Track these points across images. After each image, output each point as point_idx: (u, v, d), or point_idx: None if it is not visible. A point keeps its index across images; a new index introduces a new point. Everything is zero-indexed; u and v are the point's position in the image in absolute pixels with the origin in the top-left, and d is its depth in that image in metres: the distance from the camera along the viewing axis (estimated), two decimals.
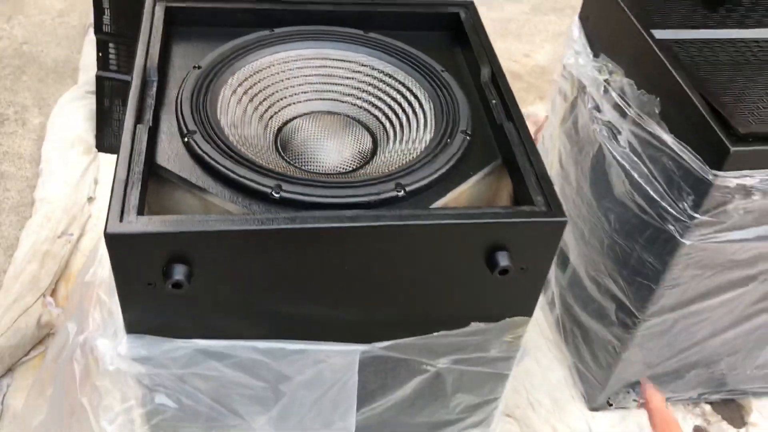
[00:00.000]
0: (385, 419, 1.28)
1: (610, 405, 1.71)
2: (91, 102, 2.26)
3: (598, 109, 1.52)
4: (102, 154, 2.21)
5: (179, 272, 0.96)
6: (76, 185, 2.06)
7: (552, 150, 1.79)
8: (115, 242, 0.94)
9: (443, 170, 1.09)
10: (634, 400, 1.69)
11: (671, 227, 1.31)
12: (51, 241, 1.88)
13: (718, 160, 1.20)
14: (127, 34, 2.09)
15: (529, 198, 1.06)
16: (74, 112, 2.26)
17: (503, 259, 1.04)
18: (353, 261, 1.03)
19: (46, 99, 2.38)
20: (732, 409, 1.76)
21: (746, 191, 1.22)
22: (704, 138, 1.22)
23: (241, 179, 1.03)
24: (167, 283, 0.96)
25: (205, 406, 1.12)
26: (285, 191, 1.02)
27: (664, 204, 1.32)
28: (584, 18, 1.63)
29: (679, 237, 1.31)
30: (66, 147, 2.16)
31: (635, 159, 1.39)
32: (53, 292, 1.80)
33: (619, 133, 1.45)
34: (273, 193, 1.02)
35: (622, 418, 1.71)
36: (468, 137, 1.15)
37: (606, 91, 1.49)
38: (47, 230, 1.90)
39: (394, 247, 1.02)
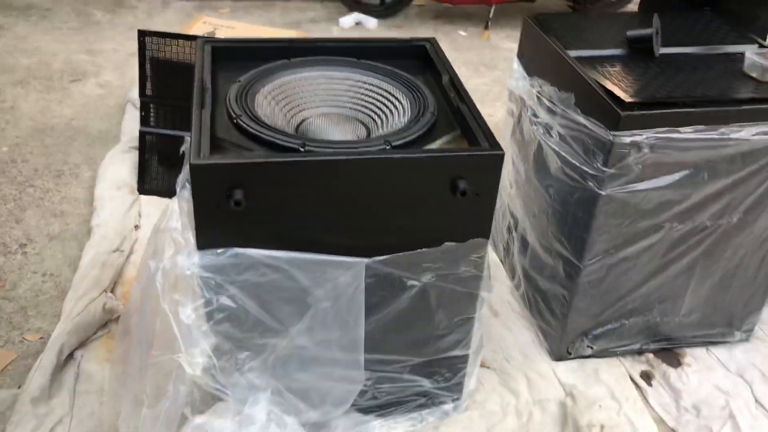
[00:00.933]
0: (387, 332, 1.68)
1: (570, 354, 2.09)
2: (133, 155, 2.75)
3: (535, 115, 2.02)
4: (143, 196, 2.66)
5: (238, 194, 1.41)
6: (124, 215, 2.51)
7: (506, 157, 2.27)
8: (195, 171, 1.39)
9: (419, 133, 1.57)
10: (588, 347, 2.08)
11: (591, 183, 1.77)
12: (107, 254, 2.31)
13: (614, 124, 1.67)
14: (165, 97, 2.60)
15: (477, 143, 1.52)
16: (119, 163, 2.75)
17: (462, 184, 1.49)
18: (357, 188, 1.48)
19: (94, 158, 2.87)
20: (670, 356, 2.14)
21: (638, 147, 1.69)
22: (604, 111, 1.71)
23: (277, 140, 1.50)
24: (230, 201, 1.40)
25: (253, 308, 1.53)
26: (309, 146, 1.48)
27: (584, 168, 1.79)
28: (520, 55, 2.16)
29: (597, 189, 1.76)
30: (114, 189, 2.63)
31: (563, 143, 1.87)
32: (112, 290, 2.21)
33: (551, 128, 1.93)
34: (300, 148, 1.48)
35: (579, 365, 2.09)
36: (434, 116, 1.63)
37: (539, 100, 1.99)
38: (104, 246, 2.34)
39: (386, 177, 1.47)
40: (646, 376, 2.10)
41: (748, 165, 1.79)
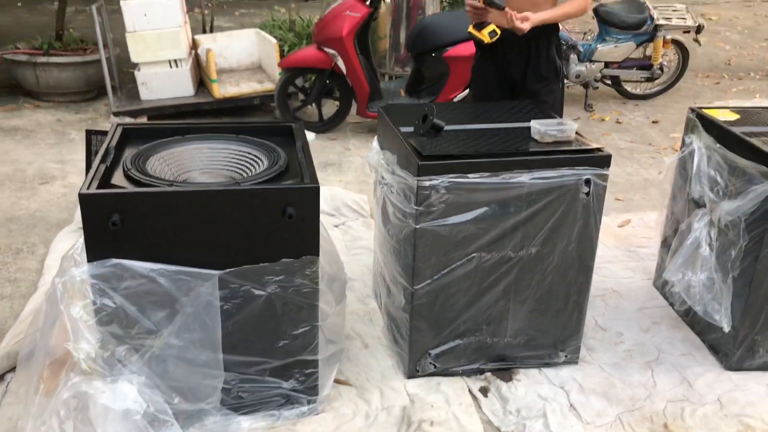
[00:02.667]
0: (243, 336, 2.12)
1: (418, 371, 2.51)
2: (79, 233, 3.28)
3: (383, 178, 2.56)
4: None
5: (115, 217, 1.93)
6: None
7: (375, 219, 2.79)
8: (83, 199, 1.91)
9: (265, 177, 2.10)
10: (431, 364, 2.50)
11: (409, 220, 2.29)
12: None
13: (416, 172, 2.21)
14: None
15: (302, 180, 2.06)
16: (68, 239, 3.27)
17: (289, 209, 2.01)
18: (208, 214, 1.99)
19: (50, 239, 3.39)
20: (505, 374, 2.55)
21: (436, 189, 2.22)
22: (411, 164, 2.25)
23: (154, 183, 2.04)
24: (109, 222, 1.92)
25: (131, 310, 2.00)
26: (175, 185, 2.02)
27: (405, 209, 2.30)
28: (378, 135, 2.73)
29: (413, 224, 2.27)
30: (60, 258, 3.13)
31: (396, 194, 2.40)
32: None
33: (392, 186, 2.47)
34: (168, 186, 2.01)
35: (426, 380, 2.50)
36: (281, 167, 2.18)
37: (385, 166, 2.54)
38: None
39: (231, 205, 1.99)
40: (484, 390, 2.50)
41: (532, 205, 2.31)
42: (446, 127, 2.48)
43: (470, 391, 2.49)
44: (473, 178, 2.24)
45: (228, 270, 2.04)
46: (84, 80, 5.41)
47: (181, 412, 2.14)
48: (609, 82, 5.87)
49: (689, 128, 2.84)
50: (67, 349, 1.96)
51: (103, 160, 2.15)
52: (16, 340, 2.53)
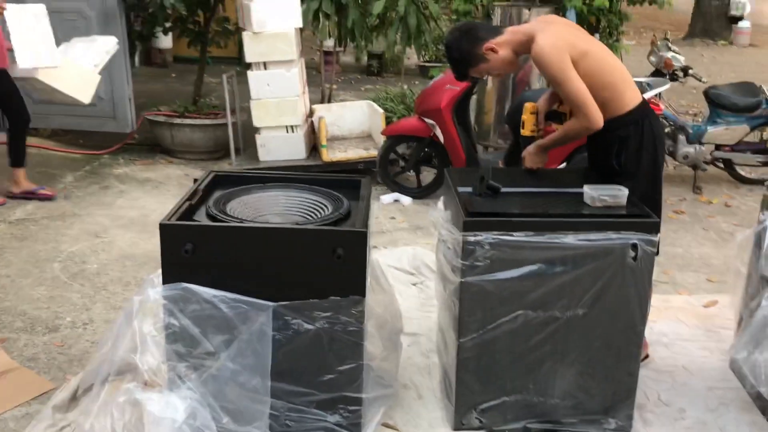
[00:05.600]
0: (291, 365, 2.30)
1: (463, 424, 2.57)
2: None
3: (441, 234, 2.70)
4: None
5: (189, 246, 2.20)
6: None
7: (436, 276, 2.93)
8: (163, 228, 2.21)
9: (326, 221, 2.33)
10: (477, 419, 2.55)
11: (456, 274, 2.41)
12: None
13: (462, 227, 2.35)
14: None
15: (353, 225, 2.26)
16: None
17: (339, 250, 2.20)
18: (268, 250, 2.23)
19: None
20: None
21: (480, 244, 2.34)
22: (458, 220, 2.39)
23: (228, 219, 2.31)
24: (183, 250, 2.20)
25: (193, 331, 2.24)
26: (245, 222, 2.28)
27: (453, 263, 2.44)
28: (443, 197, 2.89)
29: (459, 278, 2.39)
30: None
31: (448, 248, 2.53)
32: None
33: (447, 241, 2.61)
34: (239, 223, 2.28)
35: None
36: (341, 214, 2.40)
37: (443, 224, 2.68)
38: None
39: (286, 243, 2.22)
40: None
41: (578, 266, 2.37)
42: (505, 189, 2.61)
43: None
44: (518, 236, 2.34)
45: (282, 303, 2.25)
46: (213, 141, 5.98)
47: None
48: (721, 164, 5.72)
49: (765, 205, 2.79)
50: (134, 361, 2.23)
51: (189, 199, 2.46)
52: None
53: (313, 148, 5.80)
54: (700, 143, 5.49)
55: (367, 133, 6.06)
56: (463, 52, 2.74)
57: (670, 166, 5.85)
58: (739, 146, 5.59)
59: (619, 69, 2.74)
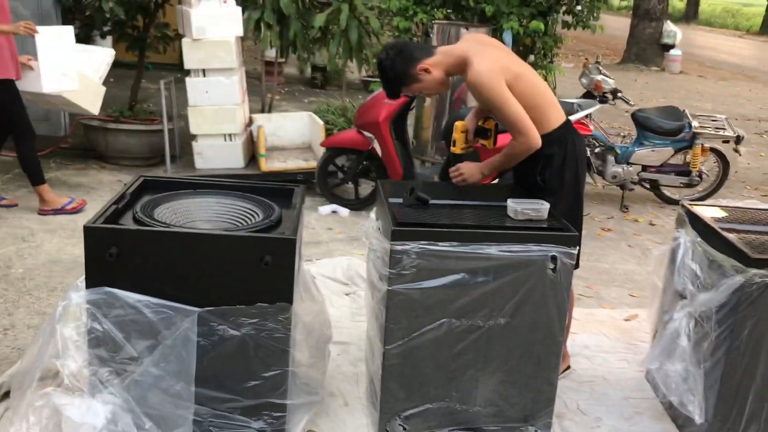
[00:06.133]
0: (216, 372, 2.30)
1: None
2: None
3: (372, 244, 2.75)
4: None
5: (113, 249, 2.19)
6: None
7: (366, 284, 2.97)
8: (87, 231, 2.19)
9: (260, 228, 2.34)
10: (401, 425, 2.59)
11: (384, 283, 2.46)
12: None
13: (390, 236, 2.40)
14: None
15: (282, 232, 2.28)
16: None
17: (267, 258, 2.22)
18: (194, 255, 2.23)
19: None
20: None
21: (408, 253, 2.39)
22: (388, 229, 2.44)
23: (154, 223, 2.30)
24: (107, 254, 2.18)
25: (117, 335, 2.22)
26: (171, 227, 2.28)
27: (381, 271, 2.48)
28: (375, 208, 2.94)
29: (387, 286, 2.44)
30: None
31: (378, 258, 2.58)
32: None
33: (377, 251, 2.65)
34: (165, 228, 2.27)
35: None
36: (271, 221, 2.41)
37: (372, 233, 2.73)
38: None
39: (213, 249, 2.23)
40: None
41: (500, 277, 2.44)
42: (434, 201, 2.68)
43: None
44: (443, 245, 2.40)
45: (207, 308, 2.25)
46: (148, 147, 5.89)
47: None
48: (647, 185, 5.95)
49: (679, 223, 2.93)
50: (55, 366, 2.19)
51: (116, 203, 2.44)
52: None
53: (252, 157, 5.78)
54: (628, 163, 5.71)
55: (307, 144, 6.08)
56: (397, 72, 2.79)
57: (599, 185, 6.06)
58: (664, 168, 5.83)
59: (545, 91, 2.85)
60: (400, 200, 2.68)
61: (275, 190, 2.83)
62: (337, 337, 3.33)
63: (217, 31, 5.32)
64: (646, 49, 15.67)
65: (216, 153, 5.54)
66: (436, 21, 5.99)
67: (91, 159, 5.98)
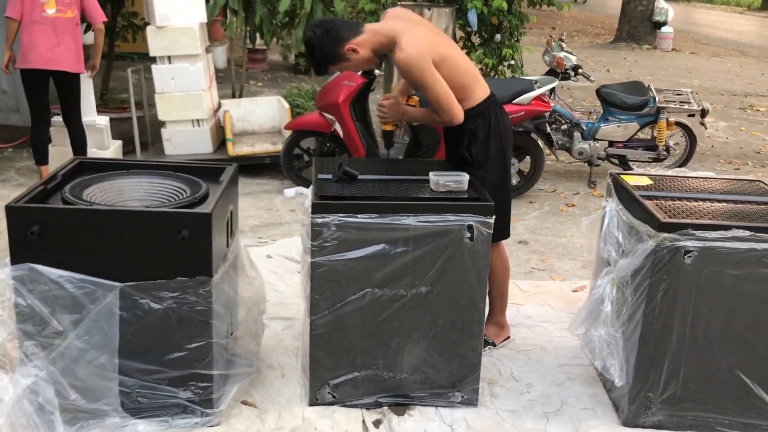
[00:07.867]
0: (141, 344, 2.38)
1: (318, 400, 2.68)
2: None
3: (303, 219, 2.82)
4: None
5: (35, 227, 2.26)
6: None
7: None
8: (9, 210, 2.26)
9: (182, 204, 2.41)
10: (330, 394, 2.67)
11: (307, 255, 2.53)
12: None
13: (311, 209, 2.47)
14: None
15: (206, 206, 2.35)
16: None
17: (185, 232, 2.29)
18: (115, 231, 2.30)
19: None
20: (400, 409, 2.69)
21: (328, 226, 2.46)
22: (311, 203, 2.51)
23: (78, 202, 2.37)
24: (29, 232, 2.25)
25: (41, 310, 2.30)
26: (96, 206, 2.35)
27: (306, 244, 2.55)
28: (311, 189, 3.01)
29: (310, 258, 2.51)
30: None
31: (306, 233, 2.65)
32: None
33: (306, 225, 2.73)
34: (88, 206, 2.34)
35: (324, 409, 2.67)
36: (195, 198, 2.48)
37: (302, 208, 2.80)
38: None
39: (133, 224, 2.30)
40: (377, 422, 2.65)
41: (419, 246, 2.51)
42: (363, 177, 2.74)
43: (363, 422, 2.64)
44: (362, 218, 2.47)
45: (129, 283, 2.33)
46: (119, 135, 5.96)
47: (81, 409, 2.39)
48: (615, 161, 5.99)
49: (608, 192, 2.99)
50: None
51: (45, 183, 2.51)
52: None
53: (222, 142, 5.84)
54: (594, 139, 5.75)
55: (277, 128, 6.14)
56: (324, 52, 2.82)
57: (566, 161, 6.10)
58: (631, 143, 5.86)
59: (471, 69, 2.91)
60: (330, 176, 2.75)
61: (211, 169, 2.89)
62: (284, 312, 3.43)
63: (180, 18, 5.37)
64: (637, 27, 15.61)
65: (184, 139, 5.61)
66: (401, 2, 6.02)
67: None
